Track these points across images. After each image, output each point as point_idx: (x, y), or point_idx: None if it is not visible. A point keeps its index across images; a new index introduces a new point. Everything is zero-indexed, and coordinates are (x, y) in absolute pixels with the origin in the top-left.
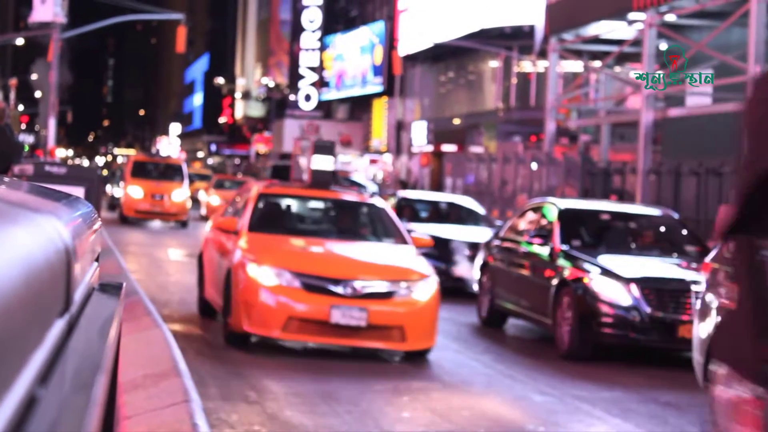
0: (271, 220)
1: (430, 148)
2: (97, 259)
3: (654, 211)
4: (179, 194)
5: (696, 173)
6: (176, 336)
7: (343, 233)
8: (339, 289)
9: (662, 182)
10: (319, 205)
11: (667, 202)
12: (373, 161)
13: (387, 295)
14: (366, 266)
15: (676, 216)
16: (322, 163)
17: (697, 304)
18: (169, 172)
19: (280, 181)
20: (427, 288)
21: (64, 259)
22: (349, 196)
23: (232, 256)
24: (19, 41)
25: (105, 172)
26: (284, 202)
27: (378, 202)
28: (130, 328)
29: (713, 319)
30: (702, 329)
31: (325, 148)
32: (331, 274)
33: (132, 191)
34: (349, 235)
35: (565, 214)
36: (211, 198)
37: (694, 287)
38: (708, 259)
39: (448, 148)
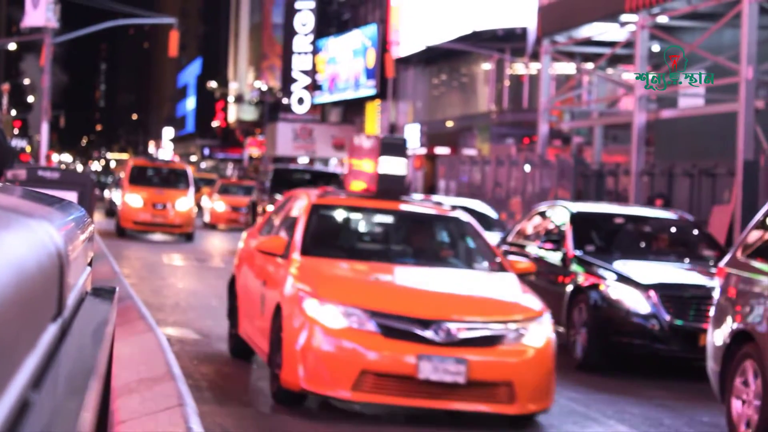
0: (328, 239)
1: (423, 150)
2: (90, 264)
3: (669, 215)
4: (184, 203)
5: (689, 174)
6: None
7: (421, 257)
8: (429, 334)
9: (655, 183)
10: (389, 219)
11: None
12: None
13: (492, 341)
14: (462, 301)
15: (691, 219)
16: (393, 166)
17: (712, 311)
18: (172, 178)
19: (337, 189)
20: (541, 330)
21: (57, 263)
22: (426, 208)
23: (282, 288)
24: (12, 46)
25: (105, 178)
26: (344, 217)
27: (462, 215)
28: (124, 332)
29: (728, 325)
30: (717, 336)
31: (395, 146)
32: (417, 312)
33: (130, 200)
34: (430, 260)
35: (577, 218)
36: (216, 204)
37: (715, 293)
38: (722, 263)
39: (441, 150)
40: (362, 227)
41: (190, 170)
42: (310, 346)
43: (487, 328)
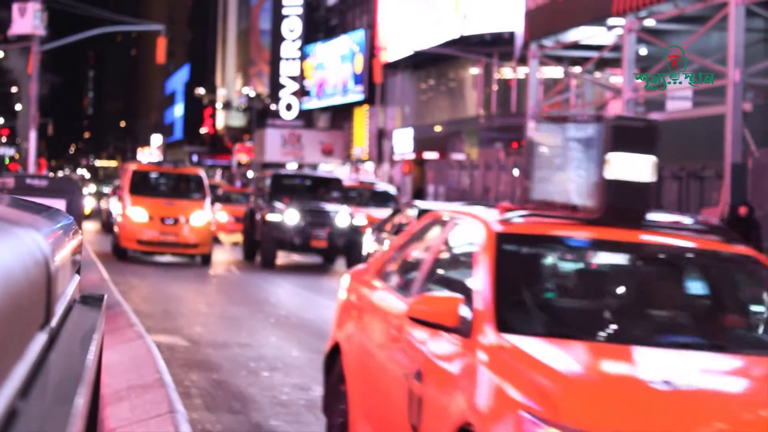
0: (537, 301)
1: (412, 155)
2: (78, 271)
3: (685, 219)
4: (200, 217)
5: (677, 177)
6: None
7: (704, 332)
8: None
9: None
10: (627, 260)
11: None
12: (354, 169)
13: None
14: None
15: (714, 222)
16: (630, 167)
17: None
18: (182, 186)
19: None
20: None
21: (44, 271)
22: (685, 240)
23: (472, 394)
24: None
25: (102, 186)
26: (556, 258)
27: (752, 252)
28: (114, 339)
29: None
30: None
31: (634, 134)
32: None
33: (133, 213)
34: (722, 338)
35: None
36: (218, 214)
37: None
38: None
39: (430, 155)
40: (588, 277)
41: (204, 176)
42: None
43: None
